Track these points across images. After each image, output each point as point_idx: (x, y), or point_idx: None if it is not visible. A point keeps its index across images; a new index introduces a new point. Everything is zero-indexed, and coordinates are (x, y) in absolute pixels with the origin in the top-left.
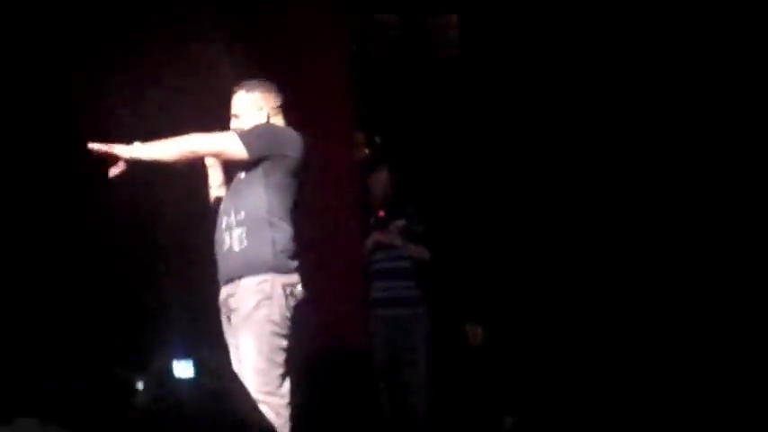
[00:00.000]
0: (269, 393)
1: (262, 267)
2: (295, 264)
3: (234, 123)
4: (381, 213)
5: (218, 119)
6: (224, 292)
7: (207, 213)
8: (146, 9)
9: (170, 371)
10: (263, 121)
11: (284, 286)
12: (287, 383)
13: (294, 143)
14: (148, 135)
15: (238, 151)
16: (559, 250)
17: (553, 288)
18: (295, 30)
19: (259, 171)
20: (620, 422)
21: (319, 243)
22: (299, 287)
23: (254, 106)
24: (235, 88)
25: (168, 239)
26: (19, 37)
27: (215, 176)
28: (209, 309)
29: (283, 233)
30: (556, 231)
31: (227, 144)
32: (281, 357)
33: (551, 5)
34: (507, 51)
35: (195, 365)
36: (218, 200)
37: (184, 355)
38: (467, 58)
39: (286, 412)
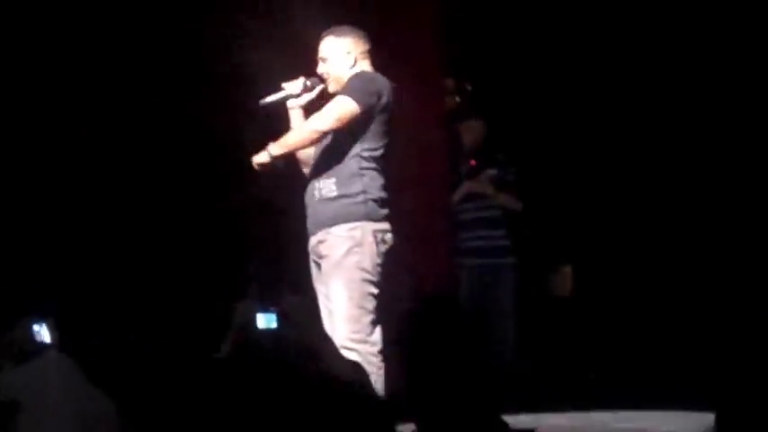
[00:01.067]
0: (360, 341)
1: (352, 215)
2: (386, 211)
3: (321, 67)
4: (472, 162)
5: (309, 62)
6: (314, 239)
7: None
8: None
9: (253, 322)
10: (351, 63)
11: (375, 233)
12: (378, 331)
13: (386, 87)
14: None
15: (353, 108)
16: (652, 202)
17: (644, 243)
18: None
19: (352, 123)
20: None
21: (409, 191)
22: (390, 234)
23: (342, 50)
24: (324, 33)
25: (253, 192)
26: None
27: (297, 118)
28: (294, 260)
29: (374, 181)
30: (649, 183)
31: (341, 108)
32: (372, 304)
33: None
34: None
35: (278, 317)
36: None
37: (268, 306)
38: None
39: (377, 360)
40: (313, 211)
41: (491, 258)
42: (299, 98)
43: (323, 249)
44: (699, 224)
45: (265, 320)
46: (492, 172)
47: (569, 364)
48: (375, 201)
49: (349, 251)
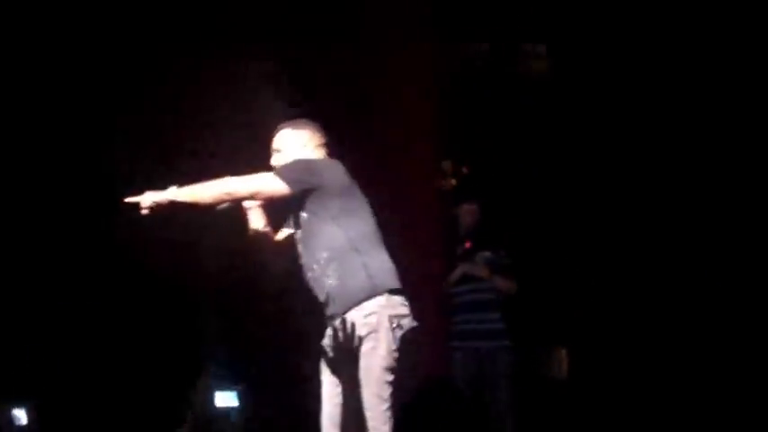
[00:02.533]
0: (372, 429)
1: (361, 294)
2: (394, 283)
3: (275, 158)
4: (468, 244)
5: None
6: (330, 328)
7: (250, 251)
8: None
9: (211, 401)
10: (306, 156)
11: (391, 318)
12: (391, 420)
13: (332, 170)
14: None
15: (278, 187)
16: (645, 284)
17: (640, 324)
18: (384, 57)
19: (317, 207)
20: None
21: (404, 273)
22: (407, 320)
23: (298, 143)
24: (279, 126)
25: (213, 275)
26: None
27: (256, 218)
28: (253, 342)
29: (373, 256)
30: (643, 265)
31: (264, 183)
32: (387, 392)
33: (636, 31)
34: (596, 81)
35: (239, 396)
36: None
37: (227, 385)
38: (556, 89)
39: None
40: (325, 303)
41: (486, 341)
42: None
43: (340, 336)
44: (689, 306)
45: (223, 399)
46: (486, 255)
47: None
48: (381, 272)
49: (365, 337)
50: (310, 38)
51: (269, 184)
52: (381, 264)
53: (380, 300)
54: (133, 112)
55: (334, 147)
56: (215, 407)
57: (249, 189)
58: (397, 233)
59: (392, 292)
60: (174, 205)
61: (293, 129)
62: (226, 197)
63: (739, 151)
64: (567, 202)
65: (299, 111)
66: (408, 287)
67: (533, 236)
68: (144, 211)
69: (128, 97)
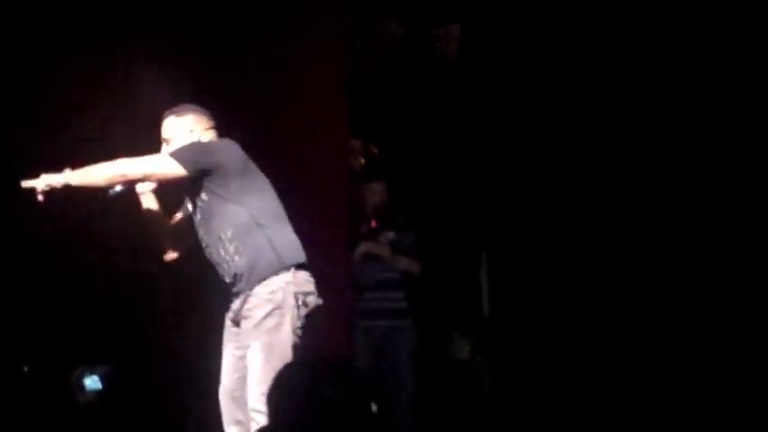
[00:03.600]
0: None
1: (268, 270)
2: (300, 257)
3: (164, 148)
4: (373, 224)
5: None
6: (236, 302)
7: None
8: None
9: (81, 386)
10: (194, 141)
11: (296, 295)
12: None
13: (228, 149)
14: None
15: (174, 169)
16: (554, 263)
17: (546, 300)
18: (292, 34)
19: (216, 187)
20: None
21: (307, 251)
22: (312, 297)
23: (184, 129)
24: (165, 113)
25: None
26: None
27: (149, 202)
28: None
29: (277, 231)
30: (552, 243)
31: (159, 164)
32: (288, 369)
33: (552, 11)
34: (508, 61)
35: (101, 378)
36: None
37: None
38: (467, 68)
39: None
40: (231, 281)
41: (389, 320)
42: (148, 182)
43: (245, 311)
44: (595, 292)
45: (90, 383)
46: (391, 235)
47: (471, 426)
48: (285, 247)
49: (270, 313)
50: (210, 15)
51: (164, 165)
52: (287, 238)
53: (286, 276)
54: (36, 97)
55: (222, 129)
56: (85, 390)
57: (144, 170)
58: (303, 212)
59: (298, 267)
60: (68, 188)
61: (177, 116)
62: (120, 179)
63: (653, 126)
64: (475, 185)
65: (193, 95)
66: (312, 265)
67: (440, 217)
68: (40, 196)
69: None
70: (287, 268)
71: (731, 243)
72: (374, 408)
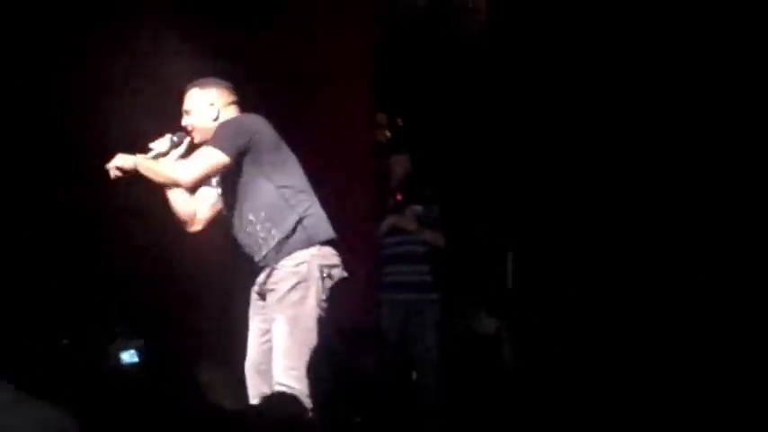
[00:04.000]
0: (295, 378)
1: (297, 244)
2: (327, 234)
3: (186, 119)
4: (399, 197)
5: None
6: (261, 275)
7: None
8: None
9: (118, 360)
10: (214, 115)
11: (321, 268)
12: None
13: (259, 125)
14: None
15: (220, 160)
16: (579, 240)
17: (570, 280)
18: (320, 6)
19: (248, 166)
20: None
21: (334, 223)
22: (337, 270)
23: (205, 102)
24: (188, 86)
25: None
26: None
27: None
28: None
29: (307, 209)
30: (577, 220)
31: (207, 162)
32: (314, 342)
33: None
34: (535, 35)
35: (138, 352)
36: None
37: (131, 339)
38: (493, 42)
39: (308, 401)
40: (260, 251)
41: (414, 294)
42: (168, 155)
43: (270, 283)
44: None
45: (128, 356)
46: (417, 207)
47: (493, 402)
48: (313, 221)
49: (295, 286)
50: None
51: (213, 159)
52: (315, 215)
53: (312, 250)
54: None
55: (248, 104)
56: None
57: (199, 171)
58: (329, 185)
59: (324, 243)
60: (134, 173)
61: (200, 88)
62: (183, 186)
63: (689, 115)
64: (501, 159)
65: (219, 68)
66: (338, 238)
67: (466, 190)
68: (113, 173)
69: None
70: (314, 244)
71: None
72: (414, 375)
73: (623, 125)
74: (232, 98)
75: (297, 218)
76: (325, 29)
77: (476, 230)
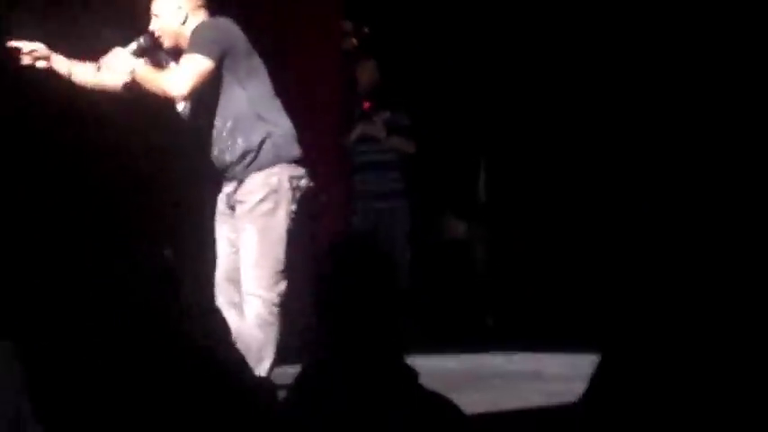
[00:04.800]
0: (265, 288)
1: (266, 162)
2: (297, 151)
3: (154, 23)
4: (366, 105)
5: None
6: (229, 186)
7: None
8: None
9: None
10: (182, 19)
11: (291, 179)
12: (284, 282)
13: (234, 30)
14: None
15: (207, 65)
16: (551, 150)
17: (536, 183)
18: None
19: (225, 71)
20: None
21: (302, 134)
22: (304, 180)
23: (173, 6)
24: None
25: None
26: None
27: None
28: None
29: (276, 124)
30: (551, 130)
31: (195, 70)
32: (282, 252)
33: None
34: None
35: None
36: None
37: None
38: None
39: (277, 311)
40: (226, 169)
41: (384, 201)
42: (140, 59)
43: (238, 195)
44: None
45: None
46: (385, 115)
47: (465, 307)
48: (283, 140)
49: (265, 197)
50: None
51: (199, 66)
52: (284, 132)
53: (282, 165)
54: None
55: (213, 8)
56: None
57: (191, 82)
58: (295, 94)
59: (294, 160)
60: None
61: None
62: (179, 99)
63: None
64: (470, 63)
65: None
66: (307, 148)
67: (434, 96)
68: (27, 60)
69: None
70: (282, 161)
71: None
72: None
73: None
74: (200, 2)
75: (265, 133)
76: None
77: (447, 137)
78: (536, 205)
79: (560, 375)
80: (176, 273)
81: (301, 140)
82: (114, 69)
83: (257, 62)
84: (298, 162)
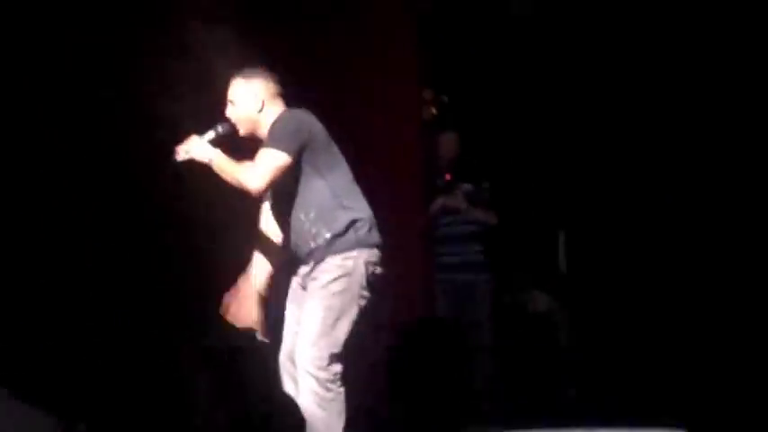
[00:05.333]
0: (320, 368)
1: (347, 244)
2: (376, 238)
3: (230, 110)
4: (448, 176)
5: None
6: (306, 268)
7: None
8: None
9: None
10: (258, 107)
11: (366, 264)
12: (339, 365)
13: (310, 119)
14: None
15: (283, 160)
16: (631, 220)
17: (621, 256)
18: None
19: (304, 164)
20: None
21: (383, 207)
22: (380, 268)
23: (250, 93)
24: (233, 75)
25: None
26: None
27: None
28: None
29: (359, 212)
30: (624, 197)
31: (272, 166)
32: (343, 336)
33: None
34: (583, 12)
35: None
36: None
37: None
38: (541, 19)
39: (336, 387)
40: (306, 248)
41: (467, 274)
42: (216, 149)
43: (314, 273)
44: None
45: None
46: (467, 186)
47: (548, 380)
48: (365, 228)
49: (338, 278)
50: None
51: (276, 161)
52: (366, 218)
53: (362, 249)
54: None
55: (290, 97)
56: None
57: (267, 177)
58: (376, 166)
59: (373, 246)
60: (206, 167)
61: (245, 79)
62: (254, 194)
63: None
64: (549, 137)
65: (261, 58)
66: (391, 221)
67: (515, 168)
68: (180, 155)
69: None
70: (363, 246)
71: None
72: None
73: (674, 107)
74: (278, 89)
75: (349, 219)
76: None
77: (527, 209)
78: (618, 277)
79: None
80: None
81: (382, 214)
82: (193, 157)
83: (335, 151)
84: (377, 248)
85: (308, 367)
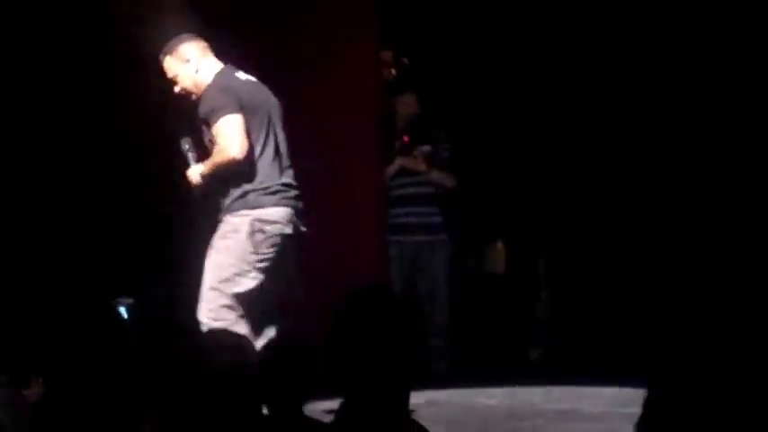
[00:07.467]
0: (213, 319)
1: (236, 207)
2: (271, 199)
3: (176, 88)
4: (406, 138)
5: None
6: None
7: None
8: None
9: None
10: (194, 68)
11: (253, 221)
12: (233, 312)
13: (240, 83)
14: None
15: (238, 117)
16: (584, 173)
17: (577, 215)
18: None
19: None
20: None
21: (341, 168)
22: (273, 226)
23: (181, 62)
24: (159, 57)
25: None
26: None
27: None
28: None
29: (250, 174)
30: (581, 156)
31: (234, 128)
32: (230, 289)
33: None
34: None
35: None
36: None
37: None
38: None
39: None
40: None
41: (423, 235)
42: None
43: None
44: (623, 199)
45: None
46: (425, 148)
47: (503, 340)
48: (254, 191)
49: (224, 235)
50: None
51: (233, 123)
52: (258, 181)
53: (252, 210)
54: None
55: (216, 44)
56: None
57: (239, 140)
58: (334, 127)
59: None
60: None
61: (170, 55)
62: (241, 161)
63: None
64: (510, 96)
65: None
66: (349, 181)
67: (473, 130)
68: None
69: None
70: (253, 208)
71: None
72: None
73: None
74: (202, 43)
75: (248, 188)
76: None
77: (487, 170)
78: (582, 240)
79: (600, 415)
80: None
81: (339, 173)
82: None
83: (257, 120)
84: (275, 208)
85: (201, 318)
